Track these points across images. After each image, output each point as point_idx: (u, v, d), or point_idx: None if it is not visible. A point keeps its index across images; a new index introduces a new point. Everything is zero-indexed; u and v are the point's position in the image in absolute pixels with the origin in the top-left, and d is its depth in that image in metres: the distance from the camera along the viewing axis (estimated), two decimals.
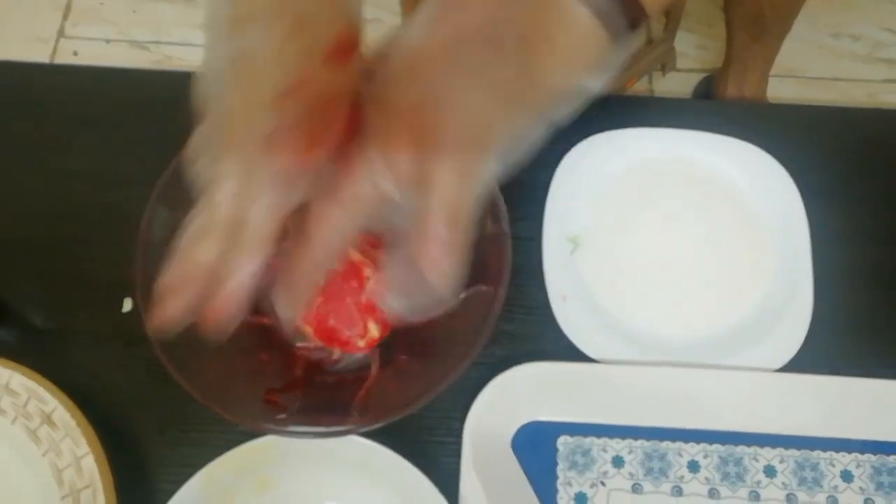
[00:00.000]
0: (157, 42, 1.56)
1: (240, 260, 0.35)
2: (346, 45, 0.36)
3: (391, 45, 0.38)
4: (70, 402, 0.57)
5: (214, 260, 0.36)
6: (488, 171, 0.36)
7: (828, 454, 0.60)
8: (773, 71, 1.36)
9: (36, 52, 1.54)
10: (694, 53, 1.55)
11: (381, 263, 0.56)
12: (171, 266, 0.37)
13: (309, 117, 0.35)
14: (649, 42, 1.42)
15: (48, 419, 0.57)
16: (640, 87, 1.48)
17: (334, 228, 0.37)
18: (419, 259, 0.35)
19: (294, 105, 0.35)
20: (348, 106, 0.37)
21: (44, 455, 0.57)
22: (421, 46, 0.37)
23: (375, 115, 0.37)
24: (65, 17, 1.59)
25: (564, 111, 0.38)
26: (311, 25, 0.36)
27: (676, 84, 1.51)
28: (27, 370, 0.58)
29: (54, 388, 0.58)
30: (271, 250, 0.36)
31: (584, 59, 0.37)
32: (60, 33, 1.57)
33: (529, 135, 0.38)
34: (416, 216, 0.36)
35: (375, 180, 0.36)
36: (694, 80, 1.50)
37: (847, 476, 0.59)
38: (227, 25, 0.36)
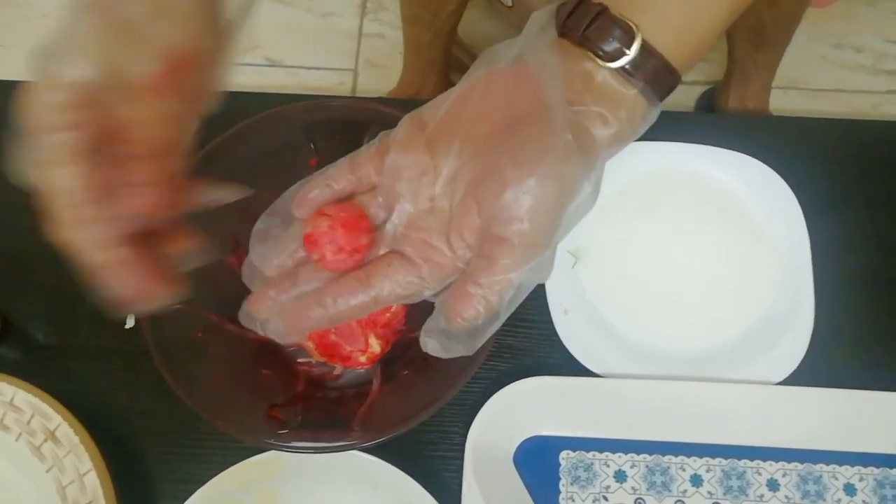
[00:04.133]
0: None
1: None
2: (187, 59, 0.35)
3: (439, 107, 0.38)
4: (73, 419, 0.57)
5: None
6: (546, 258, 0.37)
7: (831, 467, 0.59)
8: (775, 82, 1.36)
9: None
10: (696, 66, 1.55)
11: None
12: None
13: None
14: None
15: (52, 436, 0.57)
16: None
17: (397, 286, 0.38)
18: (452, 313, 0.37)
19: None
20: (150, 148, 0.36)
21: (48, 471, 0.57)
22: (472, 116, 0.37)
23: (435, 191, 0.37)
24: None
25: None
26: (157, 28, 0.35)
27: (678, 96, 1.50)
28: (31, 387, 0.58)
29: (58, 404, 0.58)
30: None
31: (632, 132, 0.38)
32: None
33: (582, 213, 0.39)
34: (463, 279, 0.37)
35: (454, 253, 0.37)
36: (696, 92, 1.50)
37: (850, 489, 0.59)
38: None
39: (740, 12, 0.41)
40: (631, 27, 0.36)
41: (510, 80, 0.37)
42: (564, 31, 0.37)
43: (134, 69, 0.34)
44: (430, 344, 0.39)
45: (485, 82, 0.38)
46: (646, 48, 0.36)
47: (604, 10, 0.36)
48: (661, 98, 0.38)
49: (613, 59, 0.36)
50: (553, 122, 0.36)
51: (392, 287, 0.37)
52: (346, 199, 0.40)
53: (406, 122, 0.39)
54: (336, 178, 0.39)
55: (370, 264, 0.38)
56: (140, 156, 0.36)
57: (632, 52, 0.36)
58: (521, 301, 0.38)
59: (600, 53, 0.36)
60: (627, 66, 0.36)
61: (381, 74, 1.53)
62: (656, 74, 0.37)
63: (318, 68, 1.53)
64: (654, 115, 0.39)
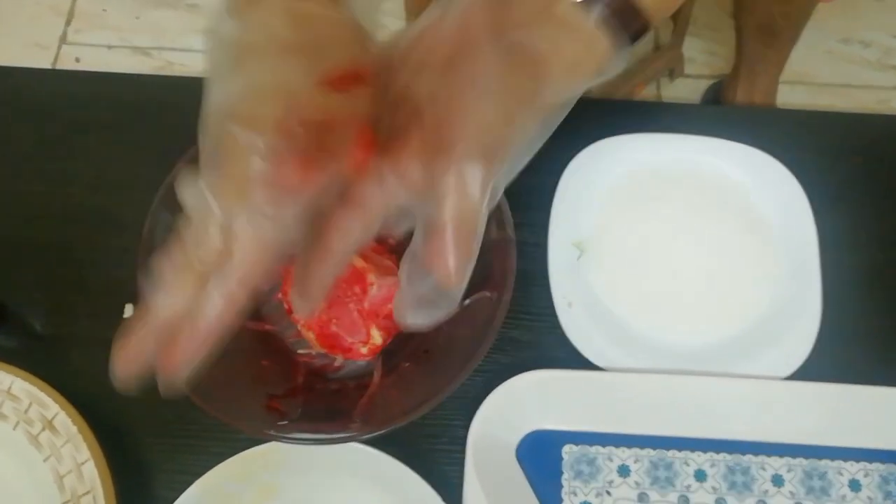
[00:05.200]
0: (160, 48, 1.56)
1: (213, 296, 0.33)
2: (356, 73, 0.36)
3: (398, 41, 0.38)
4: (71, 408, 0.57)
5: (184, 307, 0.33)
6: (497, 179, 0.37)
7: (836, 463, 0.59)
8: (782, 77, 1.35)
9: (38, 59, 1.54)
10: (702, 59, 1.54)
11: (398, 277, 0.56)
12: (140, 312, 0.35)
13: (306, 145, 0.33)
14: (657, 48, 1.42)
15: (50, 425, 0.57)
16: (647, 94, 1.48)
17: (348, 235, 0.37)
18: (429, 262, 0.36)
19: (290, 132, 0.33)
20: (355, 132, 0.36)
21: (45, 461, 0.57)
22: (429, 41, 0.38)
23: (383, 113, 0.37)
24: (67, 23, 1.60)
25: (562, 116, 0.39)
26: (320, 53, 0.35)
27: (684, 90, 1.51)
28: (29, 375, 0.58)
29: (56, 393, 0.57)
30: (253, 287, 0.33)
31: (588, 69, 0.37)
32: (63, 39, 1.58)
33: (534, 142, 0.39)
34: (427, 223, 0.36)
35: (387, 188, 0.36)
36: (702, 85, 1.50)
37: (855, 485, 0.58)
38: (234, 53, 0.35)
39: None
40: None
41: (473, 7, 0.37)
42: None
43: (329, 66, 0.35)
44: (409, 316, 0.38)
45: (455, 9, 0.38)
46: None
47: None
48: (627, 39, 0.37)
49: None
50: (492, 53, 0.36)
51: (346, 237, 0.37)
52: None
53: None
54: None
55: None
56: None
57: None
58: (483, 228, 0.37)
59: None
60: None
61: None
62: (620, 9, 0.36)
63: None
64: (620, 60, 0.38)
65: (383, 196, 0.36)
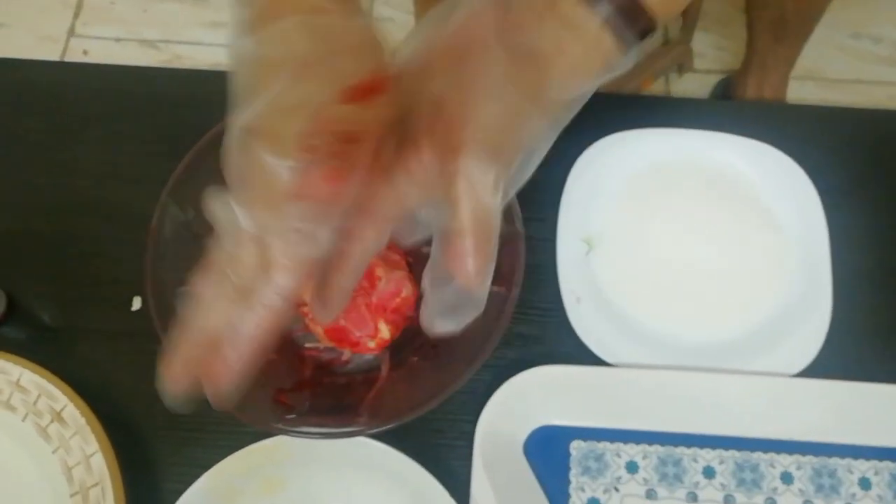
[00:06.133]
0: (167, 41, 1.56)
1: (254, 309, 0.34)
2: (375, 83, 0.36)
3: (405, 46, 0.39)
4: (80, 400, 0.57)
5: (225, 321, 0.34)
6: (508, 178, 0.37)
7: (846, 461, 0.59)
8: (792, 73, 1.34)
9: (46, 52, 1.55)
10: (712, 54, 1.53)
11: (406, 271, 0.56)
12: (181, 330, 0.35)
13: (332, 158, 0.34)
14: (666, 42, 1.41)
15: (58, 416, 0.57)
16: (656, 89, 1.47)
17: (363, 242, 0.37)
18: (450, 268, 0.36)
19: (315, 147, 0.33)
20: (374, 142, 0.36)
21: (54, 452, 0.57)
22: (435, 46, 0.38)
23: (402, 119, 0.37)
24: (76, 15, 1.60)
25: (571, 114, 0.39)
26: (340, 65, 0.35)
27: (693, 85, 1.50)
28: (37, 367, 0.58)
29: (64, 385, 0.58)
30: (291, 298, 0.34)
31: (594, 67, 0.38)
32: (71, 32, 1.58)
33: (542, 141, 0.39)
34: (443, 229, 0.36)
35: (399, 191, 0.36)
36: (711, 80, 1.49)
37: (865, 483, 0.58)
38: (254, 70, 0.35)
39: None
40: None
41: (478, 10, 0.37)
42: None
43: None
44: (437, 324, 0.39)
45: (460, 13, 0.38)
46: None
47: None
48: (634, 37, 0.37)
49: None
50: (497, 55, 0.36)
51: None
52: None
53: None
54: None
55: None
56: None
57: None
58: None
59: None
60: None
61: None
62: (624, 8, 0.36)
63: None
64: (628, 58, 0.38)
65: (396, 200, 0.37)
